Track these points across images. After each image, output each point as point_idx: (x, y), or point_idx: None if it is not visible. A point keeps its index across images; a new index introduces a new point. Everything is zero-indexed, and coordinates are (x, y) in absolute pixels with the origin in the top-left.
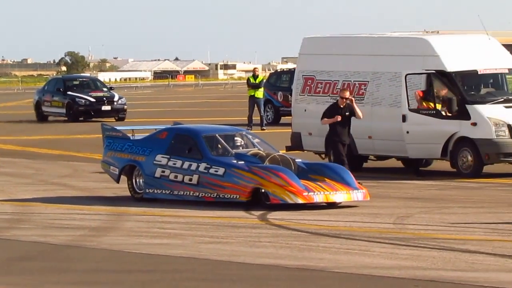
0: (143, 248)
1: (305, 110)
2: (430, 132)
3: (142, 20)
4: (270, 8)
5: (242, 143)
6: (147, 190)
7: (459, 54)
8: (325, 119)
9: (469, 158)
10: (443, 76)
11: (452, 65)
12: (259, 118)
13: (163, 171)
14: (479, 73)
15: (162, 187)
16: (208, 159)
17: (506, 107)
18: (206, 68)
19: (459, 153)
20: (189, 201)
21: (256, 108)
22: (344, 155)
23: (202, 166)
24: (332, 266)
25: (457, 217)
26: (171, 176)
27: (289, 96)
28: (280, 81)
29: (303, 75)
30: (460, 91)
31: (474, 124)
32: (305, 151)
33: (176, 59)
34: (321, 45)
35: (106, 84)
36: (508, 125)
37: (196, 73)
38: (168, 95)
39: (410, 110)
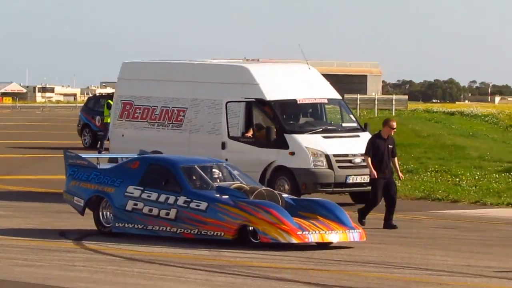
0: None
1: (123, 135)
2: (249, 160)
3: None
4: (90, 32)
5: (220, 175)
6: (116, 224)
7: (279, 83)
8: (369, 158)
9: (286, 187)
10: (263, 104)
11: (271, 94)
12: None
13: (135, 204)
14: (298, 102)
15: (134, 221)
16: (188, 193)
17: (325, 137)
18: (24, 90)
19: (276, 182)
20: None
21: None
22: (380, 195)
23: (181, 200)
24: None
25: (272, 245)
26: (145, 210)
27: None
28: (98, 106)
29: (121, 100)
30: (278, 120)
31: (292, 153)
32: None
33: None
34: (140, 70)
35: None
36: (326, 155)
37: (14, 95)
38: None
39: (230, 137)
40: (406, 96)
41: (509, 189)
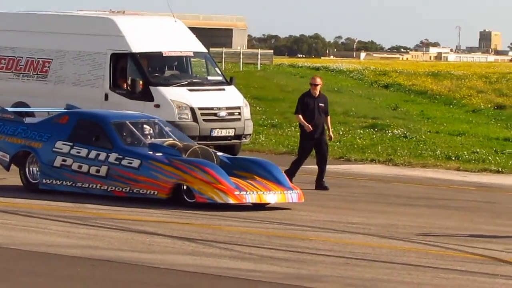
0: None
1: None
2: None
3: None
4: None
5: (151, 131)
6: (43, 181)
7: (145, 35)
8: (300, 116)
9: None
10: (129, 56)
11: (137, 46)
12: None
13: (64, 160)
14: (164, 55)
15: (63, 177)
16: (120, 149)
17: (190, 90)
18: None
19: None
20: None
21: None
22: (306, 157)
23: (113, 156)
24: (8, 242)
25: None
26: (74, 166)
27: None
28: None
29: None
30: (144, 72)
31: (157, 106)
32: None
33: None
34: (5, 20)
35: None
36: (191, 108)
37: None
38: None
39: (111, 89)
40: (272, 51)
41: (373, 145)
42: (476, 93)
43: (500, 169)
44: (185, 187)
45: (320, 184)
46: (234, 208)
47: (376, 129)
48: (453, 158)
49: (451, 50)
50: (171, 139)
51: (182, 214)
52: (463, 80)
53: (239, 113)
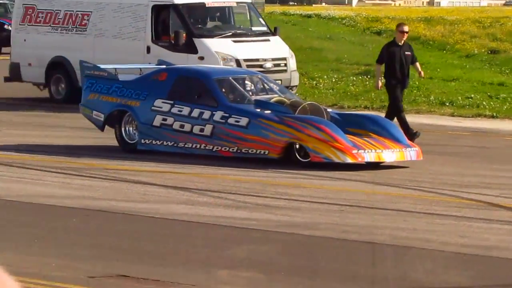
0: None
1: (25, 40)
2: None
3: None
4: None
5: (253, 87)
6: (142, 141)
7: None
8: (379, 66)
9: None
10: (171, 8)
11: None
12: None
13: (164, 119)
14: (207, 6)
15: (163, 137)
16: (225, 107)
17: (235, 41)
18: None
19: None
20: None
21: None
22: (401, 100)
23: (218, 115)
24: (4, 194)
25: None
26: (176, 125)
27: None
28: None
29: (23, 4)
30: (187, 24)
31: (202, 58)
32: (24, 82)
33: None
34: None
35: None
36: (237, 60)
37: None
38: None
39: (153, 42)
40: None
41: (366, 91)
42: (469, 38)
43: (494, 114)
44: (297, 146)
45: (412, 134)
46: (226, 157)
47: (369, 76)
48: (447, 104)
49: None
50: (277, 95)
51: (175, 164)
52: (456, 25)
53: (285, 64)
